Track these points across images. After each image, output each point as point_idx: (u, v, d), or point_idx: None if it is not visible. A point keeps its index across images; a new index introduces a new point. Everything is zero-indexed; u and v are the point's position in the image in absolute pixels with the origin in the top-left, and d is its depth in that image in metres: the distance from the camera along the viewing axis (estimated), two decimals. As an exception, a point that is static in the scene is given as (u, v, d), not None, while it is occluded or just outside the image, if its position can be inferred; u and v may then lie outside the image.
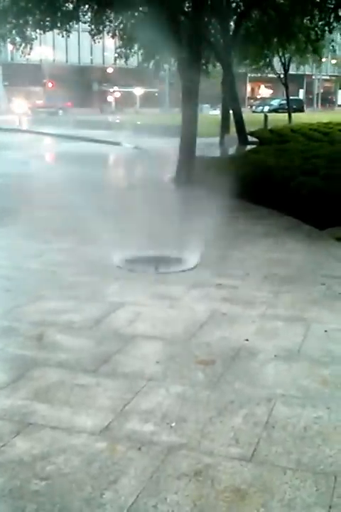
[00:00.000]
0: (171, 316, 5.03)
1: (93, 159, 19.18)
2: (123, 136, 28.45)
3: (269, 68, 34.93)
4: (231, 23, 21.99)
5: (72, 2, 16.88)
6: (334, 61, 65.32)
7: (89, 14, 18.63)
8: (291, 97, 38.97)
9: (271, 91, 75.59)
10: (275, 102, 57.29)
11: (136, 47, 21.61)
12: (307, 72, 65.70)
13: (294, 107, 42.95)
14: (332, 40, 26.37)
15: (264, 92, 77.23)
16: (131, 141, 25.89)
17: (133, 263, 6.67)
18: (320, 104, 69.64)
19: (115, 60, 22.81)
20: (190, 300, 5.45)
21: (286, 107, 36.87)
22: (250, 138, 22.85)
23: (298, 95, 64.58)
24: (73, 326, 4.76)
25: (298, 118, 33.51)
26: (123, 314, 5.05)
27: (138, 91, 62.83)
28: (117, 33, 20.63)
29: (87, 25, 19.39)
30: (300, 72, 57.66)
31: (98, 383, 3.78)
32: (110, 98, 63.96)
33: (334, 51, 32.33)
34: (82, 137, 28.10)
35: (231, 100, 23.19)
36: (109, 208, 9.55)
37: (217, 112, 44.86)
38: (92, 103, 63.47)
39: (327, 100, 65.56)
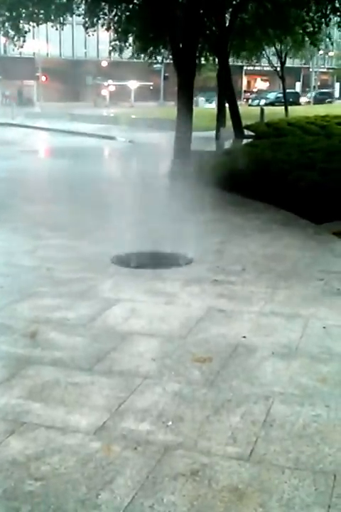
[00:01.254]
0: (167, 312, 5.01)
1: (87, 154, 19.15)
2: (118, 130, 28.41)
3: (266, 61, 34.92)
4: (227, 16, 21.93)
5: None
6: (331, 53, 65.36)
7: (83, 6, 18.55)
8: (288, 90, 38.96)
9: (267, 84, 75.59)
10: (271, 95, 57.26)
11: (130, 39, 21.52)
12: (303, 65, 65.66)
13: (291, 100, 42.94)
14: (329, 33, 26.35)
15: (260, 85, 77.23)
16: (126, 135, 25.85)
17: (128, 259, 6.65)
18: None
19: (109, 53, 22.73)
20: (186, 296, 5.43)
21: (283, 100, 36.85)
22: (246, 132, 22.83)
23: (294, 88, 64.56)
24: (67, 324, 4.74)
25: (295, 111, 33.49)
26: (119, 311, 5.03)
27: (133, 84, 62.70)
28: (112, 26, 20.53)
29: (80, 17, 19.30)
30: (296, 65, 57.68)
31: (93, 382, 3.76)
32: (104, 92, 63.81)
33: (332, 44, 32.30)
34: (75, 131, 28.05)
35: (227, 93, 23.15)
36: (103, 203, 9.52)
37: (213, 105, 44.84)
38: (86, 97, 63.32)
39: (326, 94, 65.78)
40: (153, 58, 22.95)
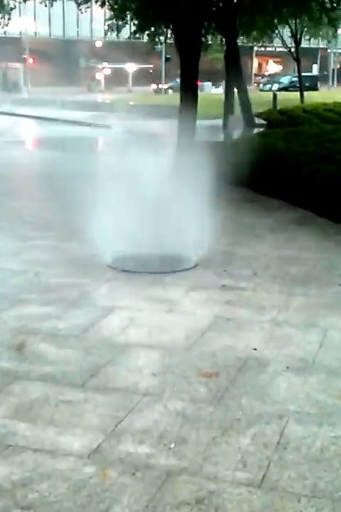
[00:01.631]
0: (169, 322, 5.02)
1: (80, 145, 19.18)
2: (114, 118, 28.45)
3: (278, 41, 34.95)
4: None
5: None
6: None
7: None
8: (304, 74, 39.00)
9: (280, 67, 75.67)
10: (285, 79, 57.37)
11: (128, 17, 21.55)
12: (321, 46, 65.73)
13: (307, 84, 42.98)
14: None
15: (273, 67, 77.32)
16: (123, 123, 25.87)
17: (125, 262, 6.65)
18: (336, 81, 69.68)
19: (105, 33, 22.78)
20: (190, 304, 5.44)
21: (298, 84, 36.88)
22: (257, 120, 22.88)
23: (311, 71, 64.63)
24: (58, 334, 4.75)
25: (311, 97, 33.51)
26: (115, 320, 5.04)
27: (131, 67, 62.83)
28: (107, 2, 20.56)
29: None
30: (313, 45, 57.69)
31: (86, 399, 3.77)
32: (99, 75, 63.93)
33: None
34: (67, 120, 28.10)
35: (235, 77, 23.18)
36: (97, 200, 9.51)
37: (220, 91, 44.92)
38: (79, 81, 63.45)
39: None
40: (154, 38, 22.99)
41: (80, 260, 6.70)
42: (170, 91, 56.41)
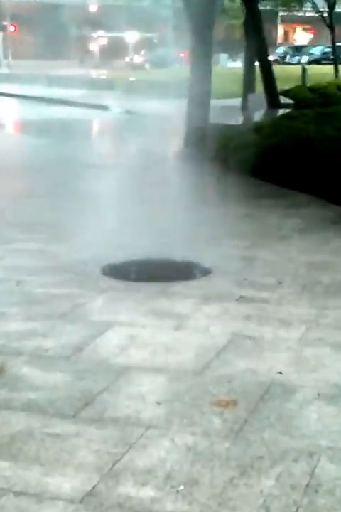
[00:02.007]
0: (177, 340, 5.02)
1: (71, 129, 19.24)
2: (112, 97, 28.52)
3: (309, 5, 34.93)
4: None
5: None
6: None
7: None
8: (339, 43, 38.96)
9: (310, 35, 75.60)
10: (316, 50, 57.29)
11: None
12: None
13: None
14: None
15: (302, 36, 77.23)
16: (122, 104, 25.96)
17: (125, 269, 6.66)
18: None
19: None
20: (202, 319, 5.44)
21: (332, 56, 36.85)
22: (283, 99, 22.83)
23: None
24: (45, 355, 4.76)
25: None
26: (113, 338, 5.04)
27: (132, 36, 62.87)
28: None
29: None
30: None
31: (78, 432, 3.77)
32: (93, 46, 64.06)
33: None
34: (55, 99, 28.22)
35: (256, 48, 23.16)
36: (92, 195, 9.57)
37: (238, 65, 44.88)
38: (69, 53, 63.57)
39: None
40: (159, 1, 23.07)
41: (71, 267, 6.71)
42: (146, 65, 56.07)
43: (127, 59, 59.72)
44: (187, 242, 7.16)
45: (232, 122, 17.06)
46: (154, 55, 58.71)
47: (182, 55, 58.51)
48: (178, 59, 55.87)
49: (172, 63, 52.55)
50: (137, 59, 59.10)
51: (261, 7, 24.07)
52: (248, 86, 23.82)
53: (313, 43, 66.51)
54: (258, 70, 23.37)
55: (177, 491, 3.30)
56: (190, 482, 3.37)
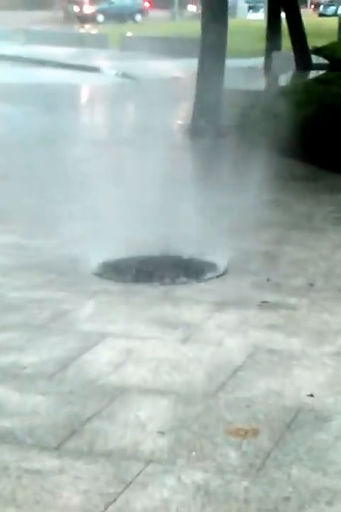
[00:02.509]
0: (185, 355, 5.03)
1: (54, 96, 19.18)
2: (104, 57, 28.51)
3: None
4: None
5: None
6: None
7: None
8: None
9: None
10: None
11: None
12: None
13: None
14: None
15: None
16: (117, 65, 25.94)
17: (120, 268, 6.67)
18: None
19: None
20: (215, 329, 5.45)
21: None
22: (315, 58, 22.81)
23: None
24: (22, 374, 4.76)
25: None
26: (105, 353, 5.05)
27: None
28: None
29: None
30: None
31: (63, 468, 3.78)
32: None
33: None
34: (35, 59, 28.17)
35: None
36: (81, 178, 9.54)
37: (260, 16, 44.78)
38: (52, 3, 63.44)
39: None
40: None
41: (55, 265, 6.72)
42: (99, 17, 55.35)
43: (75, 8, 58.45)
44: (197, 235, 7.14)
45: (253, 87, 17.08)
46: (110, 3, 57.91)
47: (146, 3, 58.42)
48: (142, 9, 55.60)
49: (132, 15, 52.29)
50: (87, 9, 57.95)
51: None
52: (272, 42, 23.78)
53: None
54: (284, 23, 23.33)
55: (184, 540, 3.32)
56: (199, 529, 3.38)
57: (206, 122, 12.91)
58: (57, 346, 5.15)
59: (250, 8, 56.99)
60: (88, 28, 45.19)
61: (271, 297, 6.02)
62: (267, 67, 23.19)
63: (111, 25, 47.94)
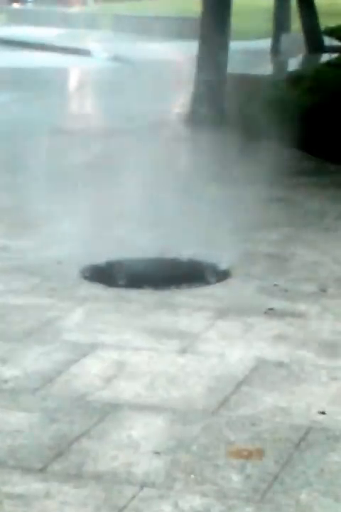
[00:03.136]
0: (182, 368, 5.01)
1: (42, 82, 19.20)
2: (95, 39, 28.48)
3: None
4: None
5: None
6: None
7: None
8: None
9: None
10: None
11: None
12: None
13: None
14: None
15: None
16: (109, 47, 25.92)
17: (112, 271, 6.67)
18: None
19: None
20: (217, 339, 5.44)
21: None
22: (328, 40, 22.78)
23: None
24: (3, 388, 4.75)
25: None
26: (95, 365, 5.03)
27: None
28: None
29: None
30: None
31: (48, 492, 3.76)
32: None
33: None
34: (18, 41, 28.16)
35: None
36: (70, 171, 9.56)
37: (268, -6, 44.73)
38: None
39: None
40: None
41: (40, 267, 6.71)
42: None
43: None
44: (198, 235, 7.14)
45: (259, 72, 17.04)
46: None
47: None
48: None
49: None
50: None
51: None
52: (280, 23, 23.76)
53: None
54: (294, 2, 23.32)
55: None
56: None
57: (207, 111, 12.89)
58: (42, 358, 5.13)
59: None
60: (75, 7, 45.02)
61: (279, 304, 6.01)
62: (275, 50, 23.14)
63: (100, 3, 47.84)
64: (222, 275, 6.60)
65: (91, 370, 4.98)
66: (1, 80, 19.36)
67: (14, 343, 5.35)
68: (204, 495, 3.75)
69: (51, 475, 3.90)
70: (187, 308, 5.94)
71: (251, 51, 21.57)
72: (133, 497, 3.72)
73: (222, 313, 5.86)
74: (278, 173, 9.66)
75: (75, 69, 23.44)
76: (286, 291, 6.29)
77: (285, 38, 22.92)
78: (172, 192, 8.24)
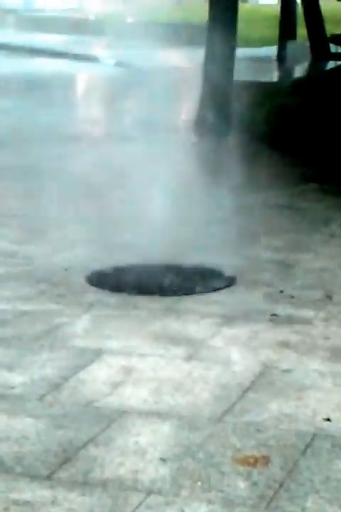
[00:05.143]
0: (189, 375, 5.01)
1: (50, 89, 19.16)
2: (103, 45, 28.50)
3: None
4: None
5: None
6: None
7: None
8: None
9: None
10: None
11: None
12: None
13: None
14: None
15: None
16: (116, 54, 25.93)
17: (119, 278, 6.66)
18: None
19: None
20: (222, 345, 5.44)
21: None
22: (334, 47, 22.78)
23: None
24: (10, 395, 4.74)
25: None
26: (102, 372, 5.03)
27: None
28: None
29: None
30: None
31: (55, 499, 3.75)
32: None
33: None
34: (29, 48, 28.15)
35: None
36: (77, 177, 9.55)
37: (274, 1, 44.80)
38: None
39: None
40: None
41: (47, 274, 6.71)
42: None
43: None
44: (204, 241, 7.14)
45: (265, 79, 17.06)
46: None
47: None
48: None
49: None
50: None
51: None
52: (286, 30, 23.77)
53: None
54: (300, 9, 23.31)
55: None
56: None
57: (213, 117, 12.88)
58: (49, 364, 5.13)
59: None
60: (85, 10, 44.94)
61: (284, 311, 6.01)
62: (281, 57, 23.17)
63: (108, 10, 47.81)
64: (228, 282, 6.59)
65: (98, 377, 4.97)
66: (9, 87, 19.38)
67: (21, 350, 5.35)
68: (210, 502, 3.74)
69: (58, 482, 3.89)
70: (194, 315, 5.94)
71: (257, 58, 21.58)
72: (140, 504, 3.71)
73: (228, 319, 5.86)
74: (284, 180, 9.67)
75: (83, 75, 23.43)
76: (292, 297, 6.29)
77: (291, 45, 22.93)
78: (179, 198, 8.24)
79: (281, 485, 3.87)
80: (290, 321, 5.84)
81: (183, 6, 46.64)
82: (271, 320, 5.83)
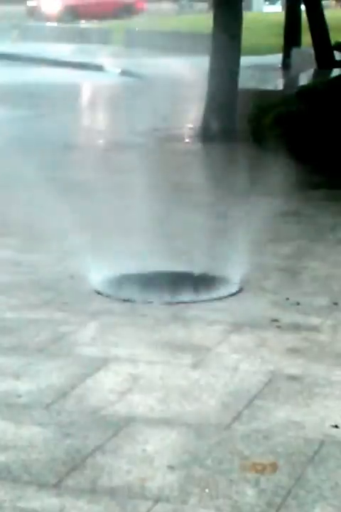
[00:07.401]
0: (196, 382, 5.00)
1: (54, 98, 19.23)
2: (108, 54, 28.56)
3: None
4: None
5: None
6: None
7: None
8: None
9: None
10: None
11: None
12: None
13: None
14: None
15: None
16: (121, 63, 25.98)
17: (124, 286, 6.65)
18: None
19: None
20: (230, 353, 5.43)
21: None
22: (339, 55, 22.78)
23: None
24: (17, 403, 4.74)
25: None
26: (109, 380, 5.03)
27: None
28: None
29: None
30: None
31: (63, 507, 3.75)
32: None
33: None
34: (29, 57, 28.18)
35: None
36: (82, 186, 9.56)
37: (278, 9, 44.91)
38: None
39: None
40: None
41: (53, 282, 6.72)
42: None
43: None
44: (210, 249, 7.13)
45: (270, 87, 17.09)
46: None
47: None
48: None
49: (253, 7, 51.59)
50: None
51: None
52: (291, 38, 23.79)
53: None
54: (304, 17, 23.34)
55: None
56: None
57: (219, 125, 12.89)
58: (56, 372, 5.13)
59: (266, 0, 57.07)
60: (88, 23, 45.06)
61: (291, 318, 6.01)
62: (285, 65, 23.19)
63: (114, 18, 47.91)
64: (235, 289, 6.59)
65: (104, 385, 4.98)
66: (15, 96, 19.42)
67: (28, 358, 5.35)
68: (218, 509, 3.74)
69: (65, 490, 3.90)
70: (200, 322, 5.94)
71: (262, 66, 21.60)
72: (148, 512, 3.72)
73: (234, 327, 5.86)
74: (290, 187, 9.65)
75: (88, 84, 23.46)
76: (298, 304, 6.28)
77: (295, 53, 22.95)
78: (185, 206, 8.24)
79: (289, 492, 3.87)
80: (297, 328, 5.84)
81: (188, 15, 46.80)
82: (278, 327, 5.83)
